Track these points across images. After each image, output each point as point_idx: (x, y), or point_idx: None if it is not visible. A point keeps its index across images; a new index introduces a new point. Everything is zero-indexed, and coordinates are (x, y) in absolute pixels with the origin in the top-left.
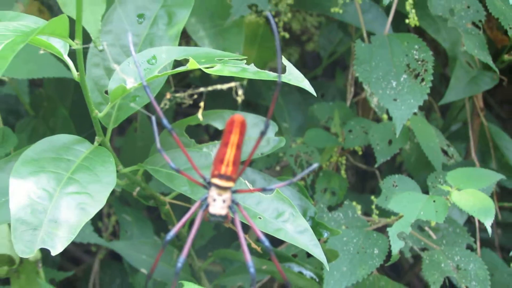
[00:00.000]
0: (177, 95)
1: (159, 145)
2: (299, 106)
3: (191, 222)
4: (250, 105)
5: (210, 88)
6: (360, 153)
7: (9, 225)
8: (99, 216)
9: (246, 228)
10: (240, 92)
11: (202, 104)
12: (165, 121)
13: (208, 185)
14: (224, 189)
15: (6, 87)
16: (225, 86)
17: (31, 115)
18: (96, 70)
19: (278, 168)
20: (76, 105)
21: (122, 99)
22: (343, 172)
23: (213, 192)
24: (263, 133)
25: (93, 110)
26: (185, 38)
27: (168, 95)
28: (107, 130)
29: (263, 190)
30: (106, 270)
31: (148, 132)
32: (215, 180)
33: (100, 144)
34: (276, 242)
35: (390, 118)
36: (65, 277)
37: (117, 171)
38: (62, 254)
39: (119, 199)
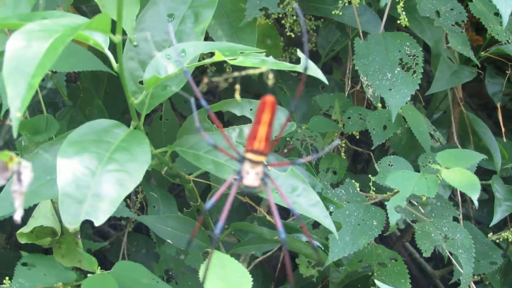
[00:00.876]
0: (214, 79)
1: (198, 123)
2: (303, 97)
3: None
4: (258, 97)
5: (243, 73)
6: (357, 137)
7: (52, 201)
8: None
9: (258, 200)
10: (270, 76)
11: (238, 86)
12: (203, 102)
13: (242, 159)
14: (257, 163)
15: (45, 82)
16: (257, 71)
17: (69, 105)
18: (131, 63)
19: (285, 150)
20: (108, 96)
21: (154, 88)
22: (342, 154)
23: (247, 166)
24: (291, 112)
25: (130, 98)
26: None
27: (205, 79)
28: (141, 116)
29: (293, 163)
30: (132, 242)
31: (171, 120)
32: (249, 155)
33: (135, 128)
34: (284, 215)
35: (384, 107)
36: (100, 247)
37: None
38: (93, 228)
39: (145, 178)
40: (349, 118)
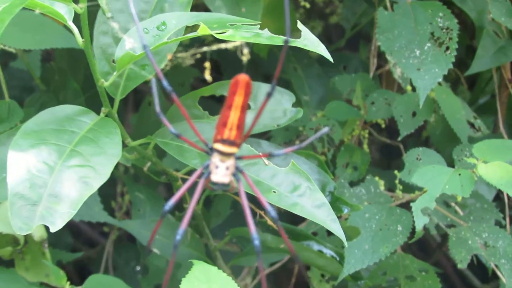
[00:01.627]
0: (179, 55)
1: (158, 108)
2: (320, 79)
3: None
4: (270, 79)
5: (214, 47)
6: (383, 126)
7: None
8: (112, 195)
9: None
10: (245, 51)
11: (207, 64)
12: (165, 83)
13: (210, 151)
14: (227, 155)
15: (18, 62)
16: (229, 45)
17: (41, 89)
18: (104, 38)
19: (297, 142)
20: (89, 78)
21: (131, 68)
22: (365, 146)
23: (216, 158)
24: (269, 94)
25: (99, 79)
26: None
27: (169, 56)
28: (115, 101)
29: (270, 155)
30: (120, 252)
31: (162, 106)
32: (218, 146)
33: (106, 116)
34: (296, 220)
35: (414, 89)
36: (74, 258)
37: (126, 145)
38: (76, 235)
39: (133, 177)
40: (372, 103)
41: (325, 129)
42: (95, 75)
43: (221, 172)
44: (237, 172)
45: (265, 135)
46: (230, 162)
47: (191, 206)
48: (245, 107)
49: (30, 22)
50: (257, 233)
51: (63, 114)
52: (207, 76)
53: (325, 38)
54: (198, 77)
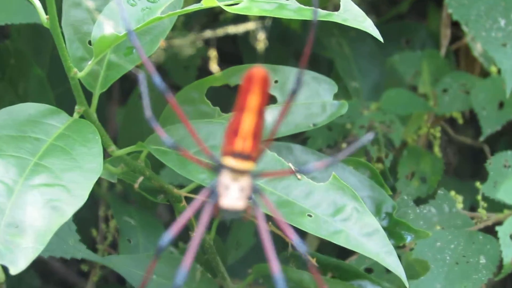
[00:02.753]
0: (176, 41)
1: (149, 112)
2: (374, 59)
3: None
4: (307, 57)
5: (219, 32)
6: (461, 121)
7: None
8: (94, 221)
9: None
10: (261, 36)
11: (213, 52)
12: (156, 79)
13: (218, 167)
14: (241, 172)
15: None
16: (240, 29)
17: None
18: (76, 13)
19: (344, 145)
20: (57, 63)
21: (114, 52)
22: (437, 149)
23: (226, 177)
24: (294, 92)
25: (71, 68)
26: None
27: (162, 43)
28: (93, 96)
29: (297, 171)
30: None
31: (159, 100)
32: (228, 160)
33: (82, 117)
34: (344, 252)
35: (499, 71)
36: None
37: (110, 155)
38: (45, 275)
39: (121, 197)
40: (445, 90)
41: (369, 136)
42: (65, 62)
43: (233, 194)
44: (255, 193)
45: (300, 137)
46: (245, 181)
47: (197, 235)
48: (263, 109)
49: None
50: (281, 273)
51: (24, 116)
52: (214, 67)
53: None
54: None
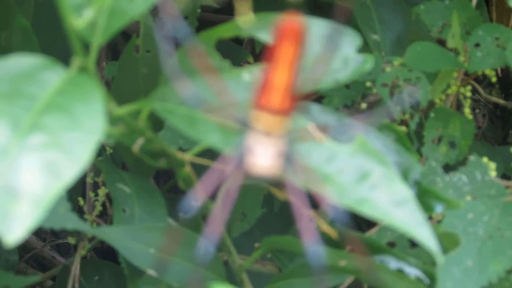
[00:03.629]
0: None
1: (169, 63)
2: (397, 8)
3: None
4: (319, 8)
5: None
6: (494, 80)
7: None
8: (80, 189)
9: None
10: None
11: None
12: (181, 26)
13: (247, 125)
14: (273, 131)
15: None
16: None
17: None
18: None
19: (363, 105)
20: (43, 10)
21: None
22: (467, 110)
23: (256, 136)
24: (335, 43)
25: (69, 16)
26: None
27: None
28: (92, 48)
29: (337, 132)
30: (91, 275)
31: (156, 52)
32: (259, 117)
33: (81, 71)
34: (362, 224)
35: None
36: (26, 284)
37: (107, 114)
38: (22, 251)
39: (112, 160)
40: (477, 45)
41: (424, 92)
42: (63, 9)
43: (263, 154)
44: (289, 155)
45: (314, 95)
46: (278, 141)
47: (225, 208)
48: (297, 63)
49: None
50: (320, 246)
51: (17, 70)
52: (244, 15)
53: None
54: (209, 5)
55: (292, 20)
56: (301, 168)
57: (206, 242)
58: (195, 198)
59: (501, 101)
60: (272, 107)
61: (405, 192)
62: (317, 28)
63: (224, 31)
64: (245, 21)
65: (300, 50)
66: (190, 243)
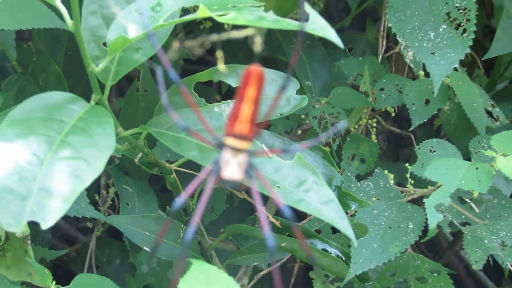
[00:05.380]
0: (187, 43)
1: (165, 99)
2: (324, 62)
3: (200, 192)
4: (268, 61)
5: (224, 36)
6: (393, 114)
7: None
8: (96, 188)
9: (264, 199)
10: (258, 40)
11: (220, 53)
12: (173, 73)
13: (220, 146)
14: (239, 150)
15: None
16: (241, 33)
17: (18, 72)
18: (93, 19)
19: (299, 132)
20: (70, 60)
21: (123, 52)
22: (373, 136)
23: (227, 154)
24: (283, 88)
25: (89, 64)
26: None
27: (176, 44)
28: (105, 87)
29: (283, 152)
30: (104, 250)
31: (152, 92)
32: (229, 140)
33: (97, 104)
34: (297, 217)
35: (427, 75)
36: (57, 256)
37: (117, 135)
38: (53, 231)
39: (119, 168)
40: (382, 89)
41: (342, 123)
42: (85, 59)
43: (232, 168)
44: (250, 168)
45: (264, 125)
46: (243, 157)
47: (201, 205)
48: (258, 100)
49: None
50: (271, 232)
51: (51, 102)
52: (221, 66)
53: (326, 15)
54: (189, 58)
55: (255, 68)
56: (257, 176)
57: (186, 228)
58: (179, 197)
59: (397, 130)
60: (239, 133)
61: (330, 194)
62: (270, 76)
63: (201, 77)
64: (220, 69)
65: (260, 91)
66: (175, 228)
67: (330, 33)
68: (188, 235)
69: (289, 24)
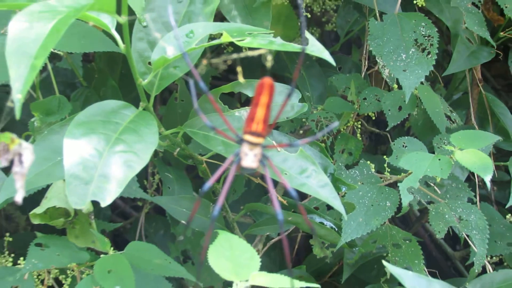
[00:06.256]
0: (213, 60)
1: (196, 105)
2: (320, 78)
3: (225, 178)
4: (276, 77)
5: (242, 55)
6: (373, 118)
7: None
8: (144, 175)
9: (274, 183)
10: (269, 57)
11: (239, 69)
12: (202, 84)
13: (240, 141)
14: (255, 144)
15: (62, 63)
16: (256, 53)
17: (84, 86)
18: (140, 44)
19: (301, 131)
20: (124, 77)
21: (164, 69)
22: (358, 135)
23: (245, 147)
24: (288, 97)
25: (138, 79)
26: (220, 19)
27: (204, 61)
28: (150, 97)
29: (289, 145)
30: (151, 223)
31: (187, 101)
32: (247, 137)
33: (144, 109)
34: (299, 197)
35: (400, 87)
36: (114, 228)
37: (160, 134)
38: (113, 208)
39: (162, 160)
40: (364, 99)
41: (334, 124)
42: (135, 75)
43: (250, 158)
44: (263, 159)
45: (274, 125)
46: (258, 150)
47: (225, 188)
48: (269, 105)
49: (74, 29)
50: (280, 209)
51: (108, 108)
52: (241, 79)
53: (321, 43)
54: (215, 76)
55: (267, 79)
56: (269, 165)
57: (214, 205)
58: (208, 182)
59: (376, 130)
60: (255, 131)
61: (326, 180)
62: (278, 88)
63: (225, 89)
64: (240, 82)
65: (271, 98)
66: (205, 206)
67: (325, 54)
68: (215, 211)
69: (293, 47)
